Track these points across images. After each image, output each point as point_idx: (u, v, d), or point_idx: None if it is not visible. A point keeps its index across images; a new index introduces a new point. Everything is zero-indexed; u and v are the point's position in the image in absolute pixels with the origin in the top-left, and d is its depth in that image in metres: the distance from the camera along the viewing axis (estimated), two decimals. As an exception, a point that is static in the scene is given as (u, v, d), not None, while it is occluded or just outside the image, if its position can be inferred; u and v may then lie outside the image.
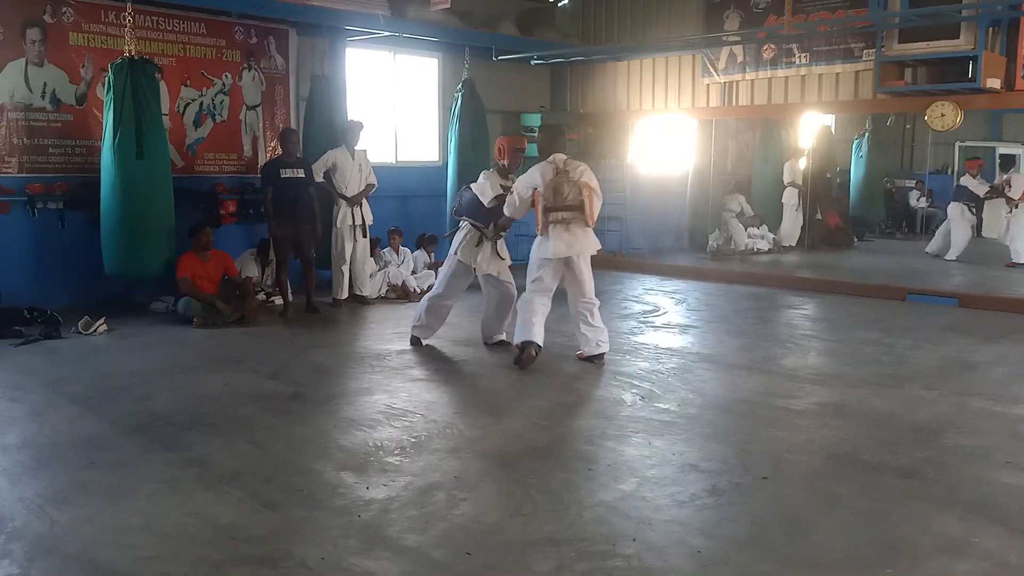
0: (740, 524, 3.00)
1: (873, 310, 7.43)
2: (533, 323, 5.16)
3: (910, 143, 13.57)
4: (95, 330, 6.08)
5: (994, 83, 7.36)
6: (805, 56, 8.75)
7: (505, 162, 5.56)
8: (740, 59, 9.25)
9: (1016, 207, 9.97)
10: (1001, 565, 2.70)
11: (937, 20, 7.33)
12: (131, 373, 5.05)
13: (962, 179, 10.48)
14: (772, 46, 8.90)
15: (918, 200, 12.99)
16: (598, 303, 5.37)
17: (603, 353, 5.32)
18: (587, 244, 5.20)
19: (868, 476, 3.47)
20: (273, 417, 4.20)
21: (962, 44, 7.30)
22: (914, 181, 13.14)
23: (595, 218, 5.21)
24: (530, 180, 5.17)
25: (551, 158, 5.17)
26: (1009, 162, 10.30)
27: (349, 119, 7.60)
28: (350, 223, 7.34)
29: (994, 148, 12.65)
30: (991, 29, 7.39)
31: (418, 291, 7.74)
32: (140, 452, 3.69)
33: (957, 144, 12.76)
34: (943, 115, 7.73)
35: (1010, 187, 10.25)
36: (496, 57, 9.58)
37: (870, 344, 6.02)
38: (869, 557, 2.75)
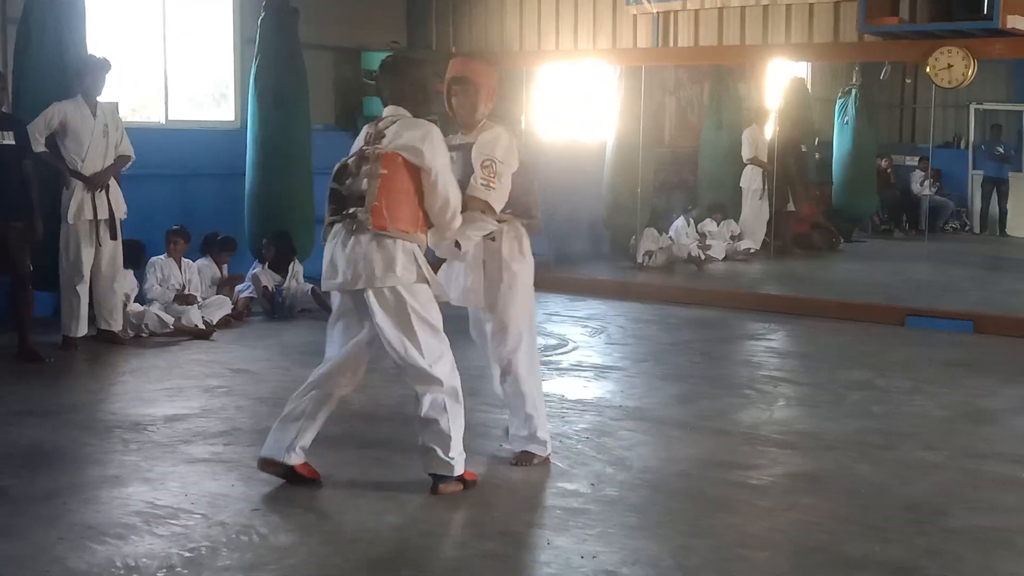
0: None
1: (861, 340, 7.91)
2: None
3: (911, 106, 14.51)
4: None
5: (1018, 22, 7.92)
6: (768, -21, 9.22)
7: None
8: (680, -21, 9.63)
9: None
10: None
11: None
12: None
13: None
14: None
15: (922, 184, 13.83)
16: (440, 397, 4.29)
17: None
18: (385, 269, 4.19)
19: (850, 577, 3.66)
20: (-41, 528, 4.00)
21: (975, -33, 7.89)
22: (917, 158, 14.03)
23: (453, 221, 4.33)
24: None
25: (382, 114, 4.52)
26: None
27: (88, 55, 7.39)
28: (89, 217, 7.12)
29: (1021, 113, 13.74)
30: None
31: (203, 325, 7.54)
32: None
33: (972, 107, 13.74)
34: (950, 66, 8.32)
35: None
36: (327, -29, 9.59)
37: (856, 388, 6.38)
38: None
